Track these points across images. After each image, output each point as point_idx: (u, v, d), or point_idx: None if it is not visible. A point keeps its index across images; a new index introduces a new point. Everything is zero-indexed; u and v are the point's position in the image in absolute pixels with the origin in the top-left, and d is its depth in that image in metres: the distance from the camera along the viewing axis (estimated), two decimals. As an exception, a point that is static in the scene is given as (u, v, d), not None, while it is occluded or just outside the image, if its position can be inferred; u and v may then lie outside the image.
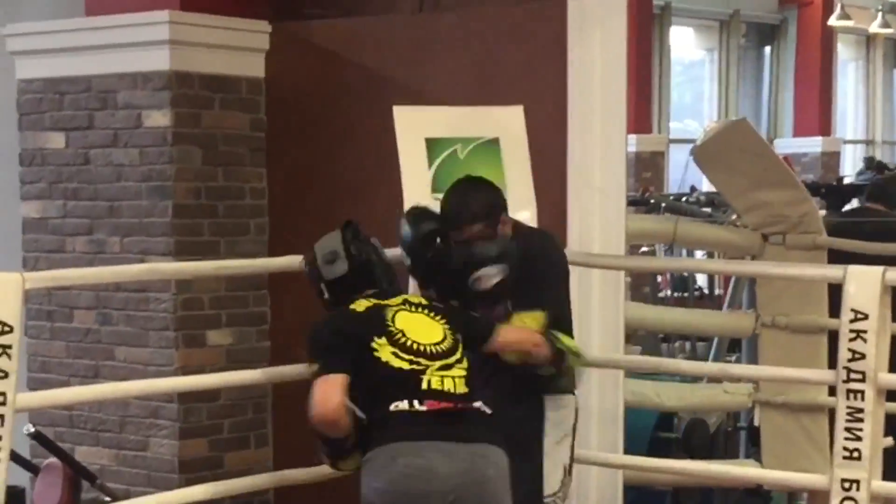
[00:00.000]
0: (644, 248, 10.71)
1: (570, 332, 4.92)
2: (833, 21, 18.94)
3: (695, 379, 7.73)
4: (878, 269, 4.76)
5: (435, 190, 5.30)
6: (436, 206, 4.94)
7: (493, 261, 4.66)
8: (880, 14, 19.98)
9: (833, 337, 4.95)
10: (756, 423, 7.28)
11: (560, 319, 4.86)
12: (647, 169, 16.32)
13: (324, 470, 5.25)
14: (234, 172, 6.52)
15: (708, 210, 10.21)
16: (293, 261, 5.33)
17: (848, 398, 4.75)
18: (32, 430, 5.03)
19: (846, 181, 13.25)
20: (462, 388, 4.38)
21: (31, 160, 6.74)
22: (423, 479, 4.21)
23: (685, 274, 10.81)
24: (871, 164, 14.71)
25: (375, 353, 4.40)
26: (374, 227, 4.94)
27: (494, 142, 5.52)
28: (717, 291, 11.38)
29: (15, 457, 4.61)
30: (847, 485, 4.76)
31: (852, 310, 4.73)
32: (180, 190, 6.31)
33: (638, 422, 6.88)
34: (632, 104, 12.47)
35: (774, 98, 20.28)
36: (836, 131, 20.56)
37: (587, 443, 5.86)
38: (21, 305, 4.28)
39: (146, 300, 6.34)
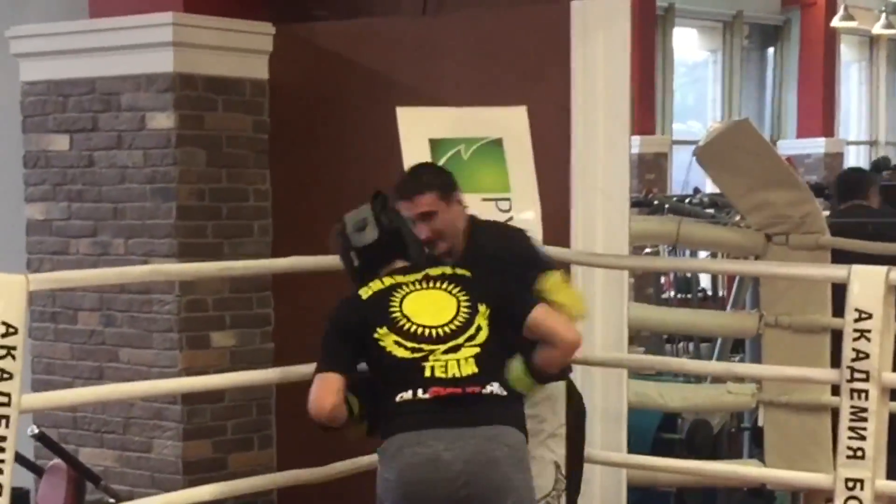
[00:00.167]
0: (647, 250, 10.71)
1: None
2: (836, 22, 18.93)
3: (698, 379, 7.74)
4: (882, 268, 4.76)
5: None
6: None
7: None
8: (884, 15, 19.97)
9: (837, 336, 4.94)
10: (760, 423, 7.28)
11: None
12: (650, 170, 16.32)
13: (328, 471, 5.26)
14: (238, 174, 6.53)
15: (711, 211, 10.21)
16: (297, 262, 5.34)
17: (852, 397, 4.75)
18: (36, 431, 5.03)
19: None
20: (470, 369, 4.31)
21: (34, 162, 6.75)
22: (428, 468, 4.22)
23: (688, 275, 10.81)
24: (886, 164, 14.72)
25: (380, 343, 4.38)
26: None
27: (498, 142, 5.52)
28: (720, 292, 11.37)
29: (19, 458, 4.61)
30: (851, 484, 4.76)
31: (856, 309, 4.73)
32: (184, 192, 6.31)
33: (641, 422, 6.88)
34: (635, 105, 12.46)
35: (777, 99, 20.28)
36: (840, 132, 20.56)
37: (591, 442, 5.86)
38: (25, 307, 4.29)
39: (150, 302, 6.35)
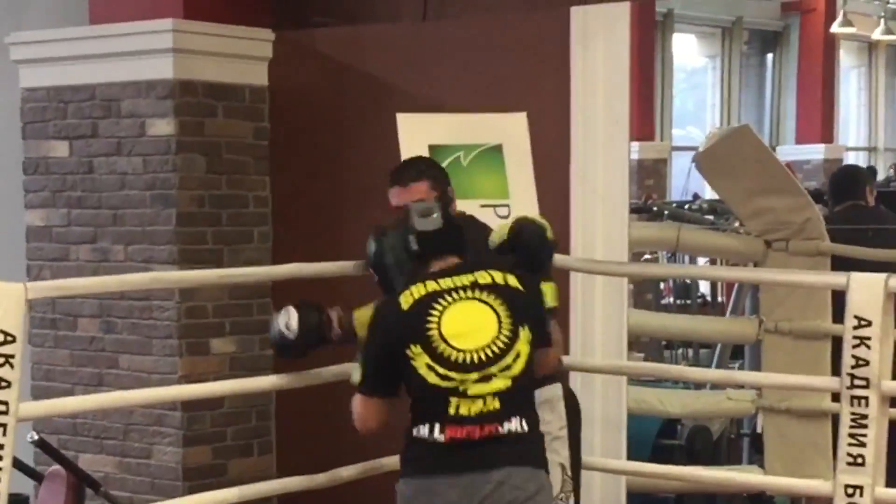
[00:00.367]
0: (647, 256, 10.72)
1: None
2: (835, 28, 18.95)
3: (698, 385, 7.74)
4: (882, 275, 4.76)
5: (439, 197, 5.30)
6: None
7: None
8: (882, 21, 20.00)
9: (837, 343, 4.94)
10: (759, 429, 7.28)
11: None
12: (649, 176, 16.35)
13: (327, 477, 5.26)
14: (238, 181, 6.52)
15: (711, 217, 10.22)
16: (297, 269, 5.33)
17: (852, 404, 4.74)
18: (36, 437, 5.04)
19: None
20: (493, 405, 4.19)
21: (34, 169, 6.75)
22: None
23: (688, 281, 10.82)
24: (872, 174, 14.72)
25: (412, 363, 4.22)
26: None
27: (498, 149, 5.52)
28: (719, 298, 11.38)
29: (18, 464, 4.62)
30: (851, 491, 4.76)
31: (856, 316, 4.73)
32: (184, 198, 6.31)
33: (641, 429, 6.88)
34: (634, 111, 12.47)
35: (777, 105, 20.30)
36: (839, 138, 20.58)
37: (591, 449, 5.86)
38: (24, 315, 4.28)
39: (150, 308, 6.35)
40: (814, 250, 6.77)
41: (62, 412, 5.87)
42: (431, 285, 4.33)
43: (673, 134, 18.02)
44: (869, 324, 4.70)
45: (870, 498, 4.74)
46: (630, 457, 5.98)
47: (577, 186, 5.97)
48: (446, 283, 4.33)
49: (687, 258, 10.14)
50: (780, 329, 6.77)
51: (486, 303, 4.30)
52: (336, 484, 5.27)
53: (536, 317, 4.40)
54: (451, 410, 4.18)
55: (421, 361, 4.22)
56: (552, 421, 4.79)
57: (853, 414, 4.74)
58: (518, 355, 4.25)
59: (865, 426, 4.73)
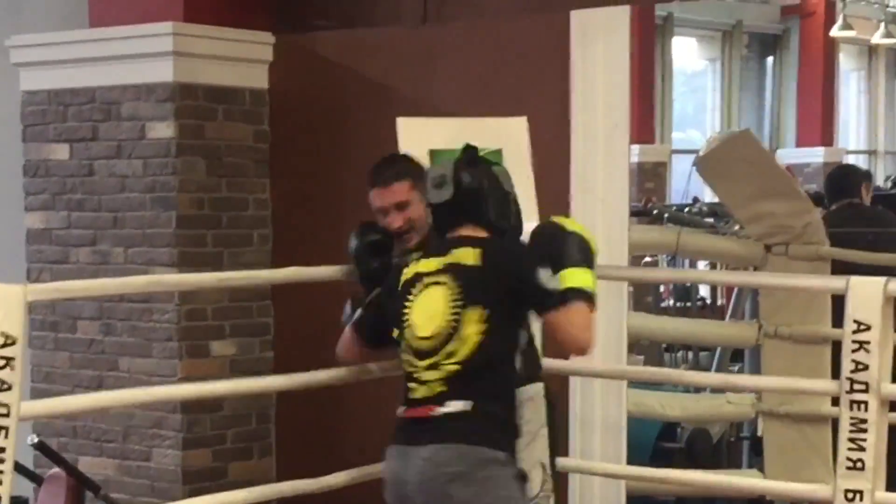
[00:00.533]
0: (647, 259, 10.72)
1: None
2: (835, 31, 18.96)
3: (697, 389, 7.74)
4: (881, 279, 4.76)
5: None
6: None
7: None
8: (882, 24, 20.00)
9: (837, 347, 4.95)
10: (759, 433, 7.29)
11: None
12: (649, 179, 16.35)
13: (328, 481, 5.26)
14: (238, 183, 6.53)
15: (711, 221, 10.22)
16: (296, 273, 5.33)
17: (851, 409, 4.74)
18: (36, 440, 5.04)
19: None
20: (438, 389, 4.36)
21: (34, 171, 6.75)
22: (396, 482, 4.42)
23: (687, 283, 10.81)
24: (867, 178, 14.71)
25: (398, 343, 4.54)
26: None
27: (498, 153, 5.52)
28: (719, 301, 11.38)
29: (18, 467, 4.61)
30: (850, 495, 4.75)
31: (855, 320, 4.72)
32: (184, 201, 6.31)
33: (641, 432, 6.88)
34: (635, 115, 12.48)
35: (777, 108, 20.30)
36: (839, 142, 20.58)
37: (590, 453, 5.86)
38: (24, 318, 4.28)
39: (150, 311, 6.35)
40: (814, 255, 6.78)
41: (62, 412, 5.86)
42: (419, 266, 4.49)
43: (673, 137, 18.03)
44: (868, 328, 4.70)
45: (869, 502, 4.74)
46: (630, 460, 5.98)
47: (577, 190, 5.97)
48: (427, 265, 4.47)
49: (687, 261, 10.13)
50: (780, 333, 6.77)
51: (443, 285, 4.40)
52: (336, 487, 5.27)
53: (504, 289, 4.37)
54: (413, 395, 4.42)
55: (402, 345, 4.49)
56: (532, 420, 4.79)
57: (852, 418, 4.74)
58: (464, 340, 4.33)
59: (865, 430, 4.73)
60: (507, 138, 5.55)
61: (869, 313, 4.70)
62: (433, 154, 5.40)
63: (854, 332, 4.71)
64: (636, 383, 6.81)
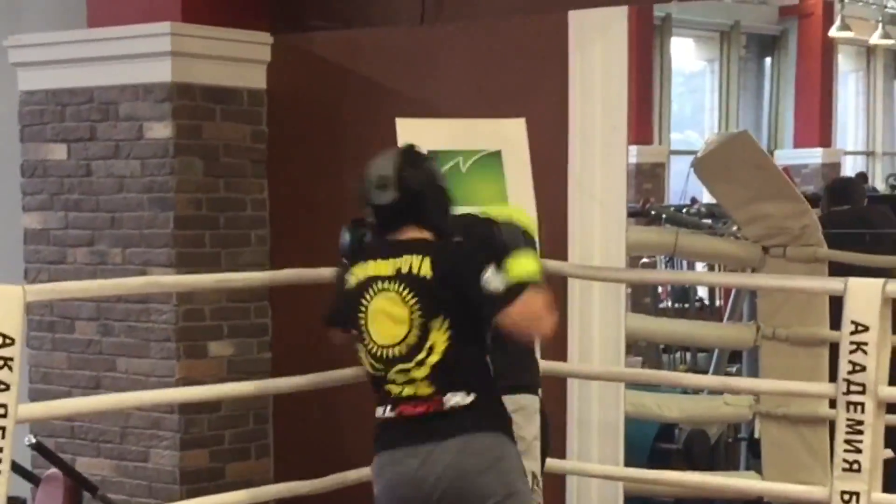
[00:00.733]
0: (645, 260, 10.72)
1: None
2: (833, 32, 18.95)
3: (695, 390, 7.74)
4: (879, 280, 4.76)
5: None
6: None
7: None
8: (880, 25, 20.00)
9: (834, 349, 4.95)
10: (756, 434, 7.29)
11: None
12: (647, 180, 16.35)
13: (325, 482, 5.26)
14: (236, 184, 6.53)
15: (709, 222, 10.23)
16: (294, 275, 5.33)
17: (848, 410, 4.75)
18: (33, 440, 5.03)
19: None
20: (426, 390, 4.33)
21: (32, 171, 6.75)
22: (407, 487, 4.30)
23: (686, 285, 10.82)
24: (864, 180, 14.77)
25: (358, 347, 4.49)
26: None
27: (496, 154, 5.52)
28: (717, 303, 11.38)
29: (16, 467, 4.61)
30: (847, 497, 4.76)
31: (853, 322, 4.73)
32: (182, 201, 6.31)
33: (638, 433, 6.88)
34: (633, 115, 12.48)
35: (775, 109, 20.29)
36: (837, 143, 20.57)
37: (588, 454, 5.86)
38: (22, 318, 4.28)
39: (147, 311, 6.35)
40: (811, 256, 6.78)
41: (60, 414, 5.87)
42: (369, 269, 4.45)
43: (671, 138, 18.01)
44: (866, 329, 4.70)
45: (866, 504, 4.74)
46: (628, 461, 5.98)
47: (575, 191, 5.97)
48: (377, 268, 4.43)
49: (685, 262, 10.13)
50: (777, 335, 6.77)
51: (399, 295, 4.38)
52: (333, 488, 5.27)
53: (457, 299, 4.36)
54: (394, 393, 4.37)
55: (362, 349, 4.45)
56: (525, 427, 4.80)
57: (849, 420, 4.75)
58: (432, 347, 4.34)
59: (861, 432, 4.73)
60: (506, 140, 5.55)
61: (867, 314, 4.71)
62: (432, 155, 5.39)
63: (852, 333, 4.71)
64: (634, 384, 6.82)
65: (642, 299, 10.68)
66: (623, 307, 6.03)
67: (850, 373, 4.73)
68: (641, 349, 9.02)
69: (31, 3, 7.41)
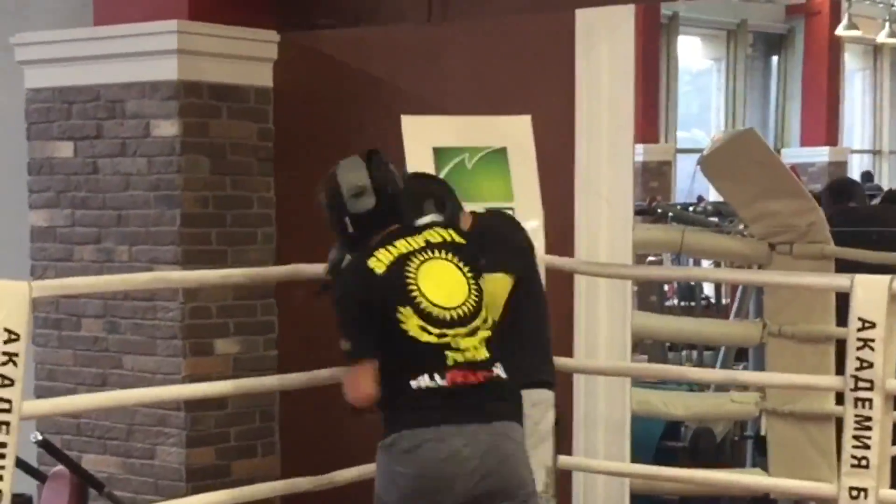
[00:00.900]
0: (651, 258, 10.72)
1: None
2: (840, 31, 18.96)
3: (702, 388, 7.74)
4: (886, 277, 4.76)
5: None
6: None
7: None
8: (887, 24, 19.99)
9: (841, 347, 4.95)
10: (763, 432, 7.28)
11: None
12: (654, 178, 16.35)
13: (331, 479, 5.26)
14: (242, 182, 6.53)
15: (715, 220, 10.23)
16: (300, 270, 5.33)
17: (856, 406, 4.75)
18: (39, 437, 5.04)
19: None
20: (483, 354, 4.33)
21: (39, 169, 6.75)
22: (449, 464, 4.23)
23: (692, 283, 10.81)
24: (868, 178, 14.76)
25: (402, 326, 4.32)
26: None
27: (502, 151, 5.52)
28: (724, 300, 11.38)
29: (22, 464, 4.62)
30: (855, 493, 4.76)
31: (860, 318, 4.73)
32: (188, 199, 6.31)
33: (645, 430, 6.88)
34: (639, 114, 12.49)
35: (781, 107, 20.30)
36: (843, 141, 20.58)
37: (594, 452, 5.86)
38: (28, 314, 4.29)
39: (154, 309, 6.35)
40: (818, 253, 6.77)
41: (65, 411, 5.88)
42: (394, 250, 4.41)
43: (678, 136, 18.03)
44: (873, 325, 4.70)
45: (874, 500, 4.74)
46: (634, 458, 5.98)
47: (581, 189, 5.98)
48: (406, 245, 4.42)
49: (691, 260, 10.13)
50: (784, 332, 6.77)
51: (447, 261, 4.41)
52: (339, 485, 5.27)
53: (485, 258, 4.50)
54: (450, 361, 4.29)
55: (412, 323, 4.32)
56: (541, 422, 4.82)
57: (857, 416, 4.75)
58: (487, 314, 4.41)
59: (870, 428, 4.73)
60: (512, 137, 5.56)
61: (874, 311, 4.71)
62: (437, 152, 5.41)
63: (859, 329, 4.72)
64: (640, 382, 6.82)
65: (648, 297, 10.68)
66: (629, 304, 6.04)
67: (857, 369, 4.73)
68: (647, 347, 9.02)
69: (38, 1, 7.41)
